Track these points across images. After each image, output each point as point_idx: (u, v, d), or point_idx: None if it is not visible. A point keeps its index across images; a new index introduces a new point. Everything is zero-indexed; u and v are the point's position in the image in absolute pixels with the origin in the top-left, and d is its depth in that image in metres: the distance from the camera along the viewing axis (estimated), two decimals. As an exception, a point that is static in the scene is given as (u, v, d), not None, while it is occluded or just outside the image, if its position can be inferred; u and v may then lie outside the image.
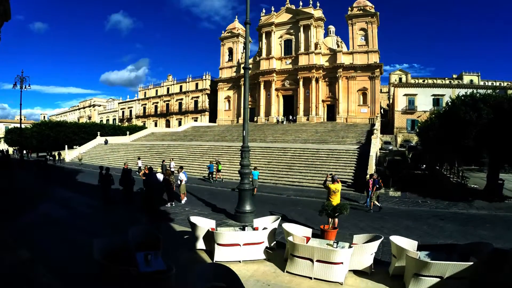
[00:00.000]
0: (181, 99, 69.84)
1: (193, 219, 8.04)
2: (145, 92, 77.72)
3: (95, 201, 14.03)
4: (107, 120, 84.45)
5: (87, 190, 17.55)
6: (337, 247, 6.35)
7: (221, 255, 6.95)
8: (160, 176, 13.66)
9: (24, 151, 47.02)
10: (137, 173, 22.18)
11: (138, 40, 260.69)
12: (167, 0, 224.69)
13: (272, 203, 15.39)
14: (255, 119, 54.21)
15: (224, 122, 59.66)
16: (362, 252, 6.48)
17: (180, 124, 66.65)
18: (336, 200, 9.60)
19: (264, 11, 56.81)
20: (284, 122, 50.80)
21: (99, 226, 10.27)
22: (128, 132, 51.93)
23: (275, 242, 7.92)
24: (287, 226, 7.52)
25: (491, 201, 16.34)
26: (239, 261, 7.00)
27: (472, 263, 5.44)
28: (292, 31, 53.44)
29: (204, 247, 7.57)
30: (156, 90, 75.25)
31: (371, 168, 19.57)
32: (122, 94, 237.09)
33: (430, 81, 66.20)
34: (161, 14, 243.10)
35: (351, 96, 48.77)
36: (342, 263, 6.05)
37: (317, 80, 50.30)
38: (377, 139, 27.90)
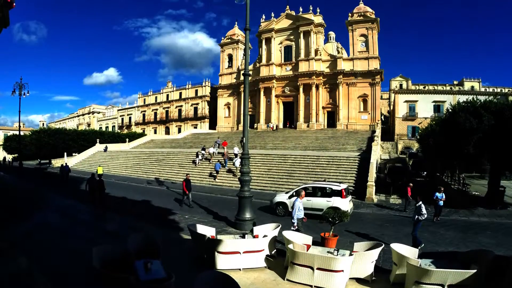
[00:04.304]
0: (181, 106, 69.84)
1: (193, 227, 8.01)
2: (144, 99, 77.66)
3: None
4: (107, 127, 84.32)
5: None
6: (337, 254, 6.33)
7: (221, 263, 6.91)
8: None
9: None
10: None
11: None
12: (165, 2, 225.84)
13: (272, 211, 15.29)
14: (255, 126, 54.18)
15: (224, 129, 59.59)
16: (363, 260, 6.46)
17: (179, 131, 66.53)
18: None
19: (264, 17, 56.96)
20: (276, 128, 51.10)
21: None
22: (127, 139, 51.82)
23: (275, 250, 7.88)
24: (288, 233, 7.49)
25: (492, 208, 16.28)
26: (239, 269, 6.96)
27: (473, 270, 5.42)
28: (292, 37, 53.59)
29: (204, 255, 7.53)
30: (156, 97, 75.21)
31: (372, 175, 19.52)
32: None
33: (431, 87, 66.18)
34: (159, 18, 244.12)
35: (352, 103, 48.73)
36: (342, 271, 6.02)
37: (317, 87, 50.38)
38: (377, 146, 27.86)
